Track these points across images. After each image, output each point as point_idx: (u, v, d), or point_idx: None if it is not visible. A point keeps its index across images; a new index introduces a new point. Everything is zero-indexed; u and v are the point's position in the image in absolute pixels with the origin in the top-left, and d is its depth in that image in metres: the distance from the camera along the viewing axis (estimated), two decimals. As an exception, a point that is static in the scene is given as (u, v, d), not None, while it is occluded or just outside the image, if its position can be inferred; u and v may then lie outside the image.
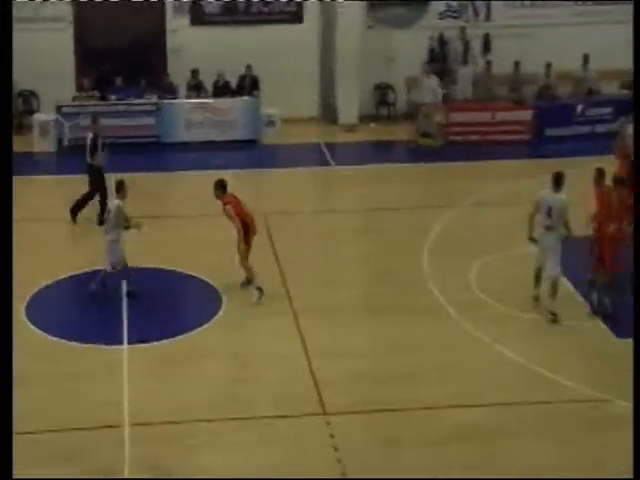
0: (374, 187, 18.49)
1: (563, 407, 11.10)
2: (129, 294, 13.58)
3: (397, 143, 21.19)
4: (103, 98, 21.03)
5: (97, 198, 16.43)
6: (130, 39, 22.17)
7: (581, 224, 13.40)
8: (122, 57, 21.96)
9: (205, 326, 12.93)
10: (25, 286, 13.42)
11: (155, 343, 12.45)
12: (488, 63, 22.36)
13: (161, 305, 13.56)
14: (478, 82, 22.36)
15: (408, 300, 13.68)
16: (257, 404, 11.15)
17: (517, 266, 14.27)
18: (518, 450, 10.32)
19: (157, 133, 20.61)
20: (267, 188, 18.46)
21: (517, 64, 22.10)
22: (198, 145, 20.59)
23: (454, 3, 22.79)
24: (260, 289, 13.46)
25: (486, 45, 22.63)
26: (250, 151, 20.77)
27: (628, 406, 11.00)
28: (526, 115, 21.24)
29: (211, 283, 14.09)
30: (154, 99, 20.94)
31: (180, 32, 22.01)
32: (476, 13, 22.92)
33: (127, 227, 13.56)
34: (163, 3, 22.00)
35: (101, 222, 15.80)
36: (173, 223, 16.75)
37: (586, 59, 22.03)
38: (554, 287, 13.22)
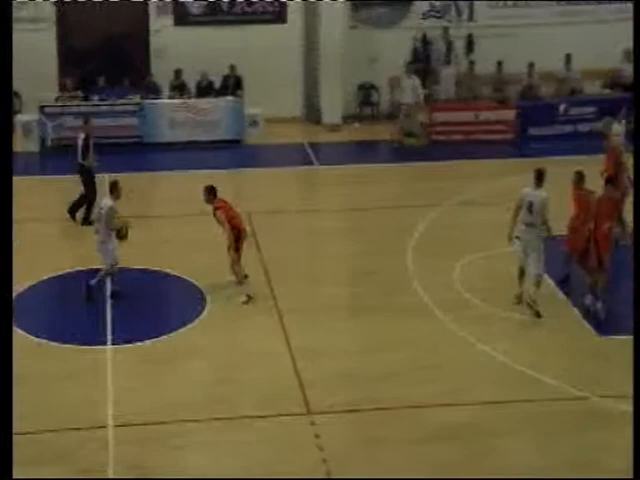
0: (358, 187, 18.51)
1: (546, 405, 11.14)
2: (113, 294, 13.54)
3: (381, 143, 21.22)
4: (86, 98, 20.96)
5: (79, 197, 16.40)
6: (113, 39, 22.12)
7: (562, 223, 13.50)
8: (105, 57, 21.91)
9: (189, 326, 12.92)
10: (8, 287, 13.34)
11: (139, 343, 12.43)
12: (471, 63, 22.44)
13: (145, 305, 13.54)
14: (461, 82, 22.44)
15: (392, 300, 13.70)
16: (241, 404, 11.14)
17: (501, 265, 14.32)
18: (503, 448, 10.35)
19: (140, 133, 20.57)
20: (251, 188, 18.46)
21: (500, 64, 22.18)
22: (181, 145, 20.55)
23: (437, 3, 22.83)
24: (249, 296, 13.49)
25: (469, 45, 22.69)
26: (234, 151, 20.74)
27: (610, 403, 11.10)
28: (509, 115, 21.31)
29: (195, 283, 14.07)
30: (137, 99, 20.89)
31: (163, 32, 21.96)
32: (459, 13, 22.98)
33: (117, 231, 13.43)
34: (146, 3, 21.94)
35: (88, 222, 15.81)
36: (156, 223, 16.72)
37: (568, 59, 22.13)
38: (537, 284, 13.32)
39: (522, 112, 21.27)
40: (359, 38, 22.17)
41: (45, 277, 14.31)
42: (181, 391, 11.41)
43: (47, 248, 15.77)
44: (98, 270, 13.58)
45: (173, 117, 20.86)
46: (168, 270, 14.46)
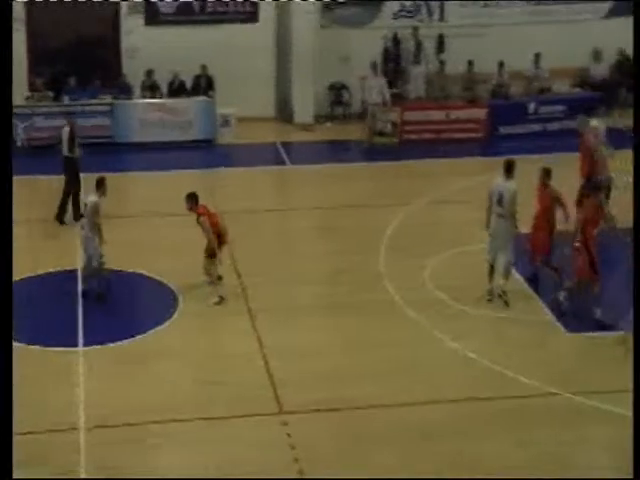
0: (330, 186, 18.56)
1: (518, 402, 11.24)
2: (84, 294, 13.51)
3: (352, 142, 21.27)
4: (57, 98, 20.88)
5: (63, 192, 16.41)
6: (84, 39, 22.03)
7: (530, 221, 13.66)
8: (76, 57, 21.82)
9: (161, 327, 12.91)
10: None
11: (111, 344, 12.41)
12: (442, 62, 22.55)
13: (116, 306, 13.52)
14: (432, 81, 22.55)
15: (364, 298, 13.76)
16: (214, 404, 11.15)
17: (472, 263, 14.41)
18: (475, 446, 10.42)
19: (111, 133, 20.51)
20: (223, 188, 18.44)
21: (471, 63, 22.32)
22: (153, 145, 20.50)
23: (408, 3, 22.93)
24: (221, 297, 13.51)
25: (440, 45, 22.81)
26: (206, 151, 20.73)
27: (581, 400, 11.21)
28: (480, 113, 21.45)
29: (167, 283, 14.06)
30: (108, 99, 20.83)
31: (134, 32, 21.90)
32: (430, 13, 23.08)
33: (98, 229, 13.43)
34: (117, 3, 21.86)
35: (80, 216, 15.77)
36: (128, 223, 16.66)
37: (538, 58, 22.30)
38: (507, 274, 13.51)
39: (492, 111, 21.42)
40: (331, 38, 22.21)
41: (16, 279, 14.23)
42: (153, 392, 11.40)
43: (19, 250, 15.67)
44: (72, 271, 13.57)
45: (145, 117, 20.82)
46: (140, 271, 14.44)
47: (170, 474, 9.95)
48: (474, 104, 21.69)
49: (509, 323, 13.12)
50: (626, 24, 22.55)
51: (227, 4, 22.24)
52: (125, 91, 21.30)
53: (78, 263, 14.46)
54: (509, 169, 13.40)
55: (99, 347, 12.32)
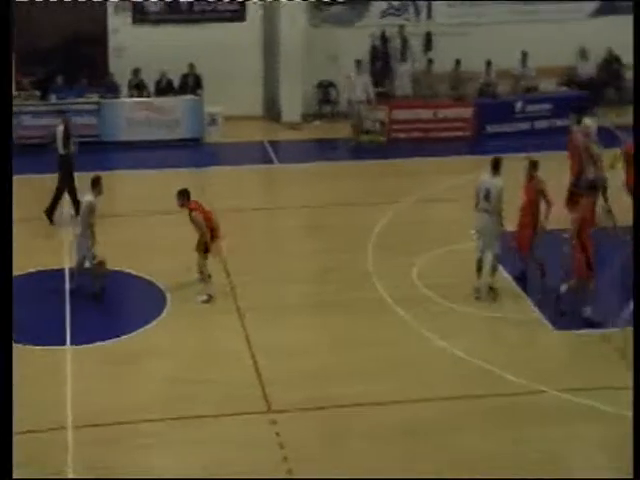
0: (318, 185, 18.56)
1: (506, 400, 11.28)
2: (72, 292, 13.48)
3: (340, 141, 21.25)
4: (44, 97, 20.80)
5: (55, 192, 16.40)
6: (71, 38, 21.95)
7: (515, 217, 13.72)
8: (63, 56, 21.74)
9: (149, 326, 12.90)
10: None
11: (99, 343, 12.39)
12: (429, 61, 22.57)
13: (105, 305, 13.49)
14: (419, 80, 22.57)
15: (353, 297, 13.77)
16: (203, 403, 11.15)
17: (460, 261, 14.45)
18: (463, 443, 10.46)
19: (99, 132, 20.44)
20: (211, 187, 18.39)
21: (458, 62, 22.34)
22: (140, 144, 20.45)
23: (395, 2, 22.93)
24: (210, 296, 13.51)
25: (427, 43, 22.82)
26: (193, 150, 20.69)
27: (569, 397, 11.26)
28: (467, 112, 21.47)
29: (155, 282, 14.05)
30: (95, 98, 20.77)
31: (122, 31, 21.83)
32: (417, 12, 23.09)
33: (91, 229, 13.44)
34: (104, 2, 21.80)
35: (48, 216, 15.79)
36: (116, 222, 16.60)
37: (525, 57, 22.35)
38: (494, 266, 13.63)
39: (480, 109, 21.45)
40: (318, 36, 22.20)
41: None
42: (142, 391, 11.40)
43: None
44: (60, 270, 13.54)
45: (132, 116, 20.77)
46: (127, 270, 14.41)
47: (159, 473, 9.94)
48: (461, 103, 21.72)
49: (497, 321, 13.16)
50: (612, 23, 22.78)
51: (214, 3, 22.18)
52: (112, 90, 21.24)
53: (68, 262, 14.44)
54: (496, 166, 13.55)
55: (87, 346, 12.30)
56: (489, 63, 22.14)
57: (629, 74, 23.26)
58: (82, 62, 21.89)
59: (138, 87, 21.29)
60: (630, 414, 10.71)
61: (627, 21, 23.07)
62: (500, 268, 14.01)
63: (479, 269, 13.70)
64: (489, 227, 13.56)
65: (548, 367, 12.01)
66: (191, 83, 21.49)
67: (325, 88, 22.75)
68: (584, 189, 13.96)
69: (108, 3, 21.82)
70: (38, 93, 20.90)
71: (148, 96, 21.23)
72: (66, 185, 16.41)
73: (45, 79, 21.28)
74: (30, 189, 16.77)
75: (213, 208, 15.01)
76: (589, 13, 23.18)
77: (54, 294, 13.55)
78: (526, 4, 22.92)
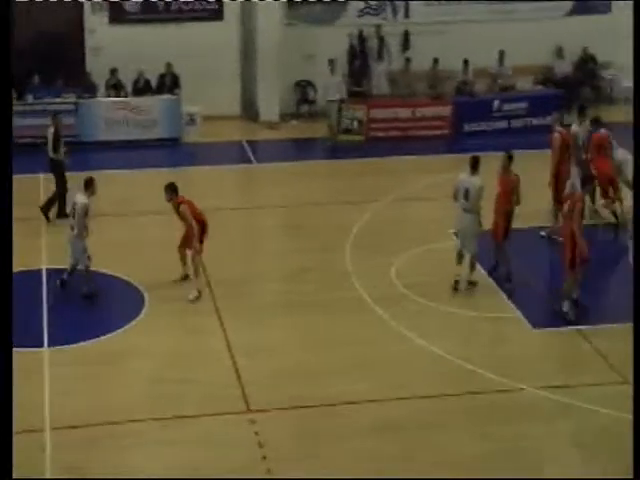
0: (296, 184, 18.56)
1: (485, 398, 11.32)
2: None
3: (318, 140, 21.26)
4: (20, 97, 20.68)
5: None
6: (47, 38, 21.83)
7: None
8: (39, 56, 21.62)
9: (128, 326, 12.87)
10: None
11: (77, 344, 12.35)
12: (407, 60, 22.63)
13: (82, 306, 13.44)
14: (397, 79, 22.62)
15: (331, 296, 13.79)
16: (182, 403, 11.13)
17: (439, 260, 14.52)
18: (442, 441, 10.50)
19: (76, 132, 20.33)
20: (189, 187, 18.25)
21: (436, 61, 22.41)
22: (118, 144, 20.39)
23: (373, 1, 22.96)
24: (200, 292, 13.54)
25: (405, 42, 22.88)
26: (171, 150, 20.65)
27: (547, 394, 11.33)
28: (445, 111, 21.53)
29: (133, 282, 14.01)
30: (73, 98, 20.68)
31: (98, 30, 21.75)
32: (395, 11, 23.14)
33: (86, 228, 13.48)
34: (81, 1, 21.70)
35: (64, 215, 15.77)
36: (94, 223, 16.53)
37: (502, 56, 22.45)
38: (472, 264, 13.84)
39: (457, 108, 21.52)
40: (296, 35, 22.19)
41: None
42: (121, 392, 11.37)
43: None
44: (38, 271, 13.48)
45: (110, 116, 20.70)
46: (105, 270, 14.35)
47: (138, 474, 9.91)
48: (439, 101, 21.79)
49: (476, 319, 13.22)
50: (587, 22, 22.95)
51: (192, 2, 22.14)
52: (90, 90, 21.15)
53: (46, 262, 14.39)
54: (475, 165, 13.66)
55: (65, 347, 12.25)
56: (466, 62, 22.23)
57: (604, 73, 23.47)
58: (59, 62, 21.77)
59: (115, 87, 21.22)
60: (607, 411, 10.86)
61: (601, 20, 23.36)
62: (478, 266, 14.09)
63: (459, 257, 13.87)
64: (468, 226, 13.68)
65: (527, 365, 12.07)
66: (168, 83, 21.44)
67: (303, 87, 22.76)
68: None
69: (85, 3, 21.73)
70: (14, 93, 20.77)
71: (126, 96, 21.16)
72: (65, 186, 16.39)
73: (21, 79, 21.15)
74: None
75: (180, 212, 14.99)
76: (565, 12, 23.32)
77: (32, 295, 13.48)
78: (503, 3, 23.03)
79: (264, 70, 21.89)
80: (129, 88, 21.37)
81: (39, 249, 15.05)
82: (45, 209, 16.33)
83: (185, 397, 11.26)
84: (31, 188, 17.11)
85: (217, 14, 22.27)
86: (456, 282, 13.84)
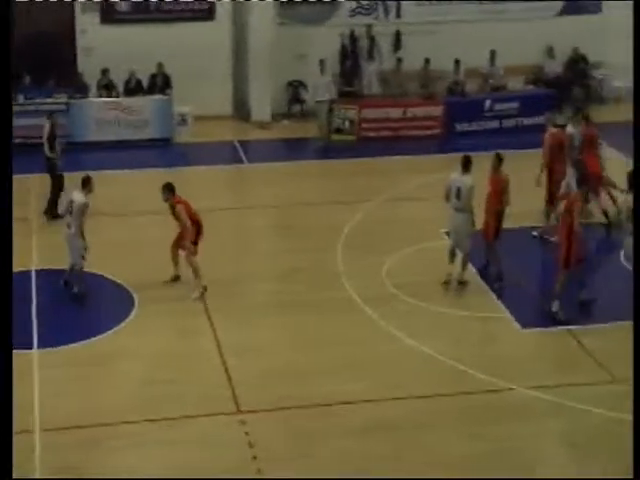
0: (288, 184, 18.57)
1: (475, 398, 11.34)
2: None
3: (310, 140, 21.27)
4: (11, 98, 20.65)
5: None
6: (39, 38, 21.80)
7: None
8: (31, 56, 21.58)
9: (118, 328, 12.85)
10: None
11: (67, 346, 12.33)
12: (399, 60, 22.65)
13: (72, 307, 13.42)
14: (389, 79, 22.65)
15: (322, 296, 13.79)
16: (172, 404, 11.12)
17: (430, 260, 14.56)
18: (432, 441, 10.52)
19: (68, 133, 20.29)
20: (181, 187, 18.23)
21: (427, 61, 22.44)
22: (110, 144, 20.38)
23: (365, 1, 22.98)
24: (205, 288, 13.58)
25: (396, 42, 22.90)
26: (163, 150, 20.64)
27: (536, 394, 11.35)
28: (437, 111, 21.56)
29: (122, 284, 14.00)
30: (64, 98, 20.66)
31: (90, 30, 21.74)
32: (386, 11, 23.17)
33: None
34: (72, 1, 21.68)
35: (53, 216, 15.89)
36: (85, 223, 16.54)
37: (493, 55, 22.49)
38: (464, 263, 13.91)
39: (449, 108, 21.55)
40: (288, 35, 22.20)
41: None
42: (111, 393, 11.37)
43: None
44: (27, 272, 13.44)
45: (101, 116, 20.69)
46: (96, 271, 14.33)
47: (128, 475, 9.91)
48: (431, 101, 21.81)
49: (466, 319, 13.23)
50: (578, 22, 23.01)
51: (183, 2, 22.12)
52: (81, 90, 21.14)
53: (35, 263, 14.37)
54: (466, 165, 13.72)
55: (55, 349, 12.23)
56: (458, 62, 22.27)
57: (595, 72, 23.54)
58: (50, 62, 21.75)
59: (107, 87, 21.21)
60: (598, 411, 10.89)
61: (592, 20, 23.42)
62: (469, 266, 14.12)
63: (452, 254, 13.94)
64: (461, 225, 13.74)
65: (517, 365, 12.09)
66: (160, 83, 21.44)
67: (295, 87, 22.77)
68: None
69: (76, 3, 21.71)
70: (6, 93, 20.74)
71: (117, 96, 21.16)
72: (60, 184, 16.49)
73: (12, 79, 21.10)
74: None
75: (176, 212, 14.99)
76: (555, 12, 23.37)
77: (22, 296, 13.46)
78: (494, 3, 23.07)
79: (256, 70, 21.90)
80: (120, 88, 21.36)
81: (29, 250, 15.02)
82: (49, 211, 16.39)
83: (175, 398, 11.24)
84: (21, 188, 17.04)
85: (209, 14, 22.27)
86: (447, 280, 13.87)
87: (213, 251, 15.04)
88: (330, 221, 16.43)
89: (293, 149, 21.24)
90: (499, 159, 14.01)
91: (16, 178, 16.54)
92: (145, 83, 21.50)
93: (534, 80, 23.07)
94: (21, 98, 20.62)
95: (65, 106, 20.52)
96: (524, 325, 12.99)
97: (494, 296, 13.74)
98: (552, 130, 15.99)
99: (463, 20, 22.74)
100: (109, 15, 21.92)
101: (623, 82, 23.19)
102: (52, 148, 16.56)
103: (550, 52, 23.27)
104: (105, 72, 21.21)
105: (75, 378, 11.69)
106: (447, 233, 14.38)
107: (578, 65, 23.36)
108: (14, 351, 11.95)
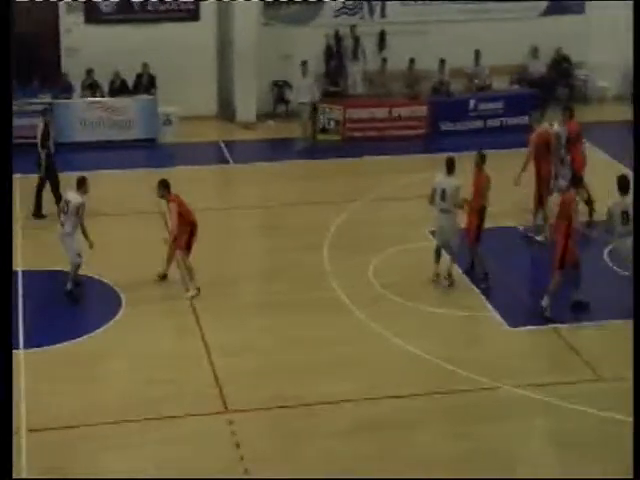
0: (273, 184, 18.57)
1: (462, 396, 11.39)
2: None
3: (295, 140, 21.26)
4: (-6, 98, 20.55)
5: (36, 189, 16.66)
6: (22, 38, 21.66)
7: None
8: (14, 56, 21.40)
9: (105, 328, 12.84)
10: None
11: (53, 346, 12.29)
12: (383, 60, 22.67)
13: (59, 307, 13.39)
14: (374, 79, 22.67)
15: (309, 296, 13.81)
16: (159, 404, 11.11)
17: (416, 259, 14.60)
18: (419, 440, 10.56)
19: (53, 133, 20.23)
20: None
21: (412, 61, 22.47)
22: (95, 145, 20.32)
23: (349, 1, 23.00)
24: (198, 289, 13.60)
25: (381, 42, 22.93)
26: (148, 150, 20.59)
27: (523, 392, 11.40)
28: (422, 110, 21.59)
29: (109, 283, 13.97)
30: (48, 99, 20.58)
31: (74, 31, 21.65)
32: (371, 11, 23.19)
33: (83, 231, 13.50)
34: (56, 1, 21.60)
35: (37, 214, 15.99)
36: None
37: (478, 55, 22.54)
38: (452, 258, 14.00)
39: (434, 108, 21.59)
40: (272, 35, 22.19)
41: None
42: (98, 393, 11.34)
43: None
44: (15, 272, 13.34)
45: (85, 117, 20.63)
46: (81, 271, 14.28)
47: (115, 475, 9.90)
48: (416, 101, 21.85)
49: (452, 318, 13.27)
50: (562, 22, 23.10)
51: (168, 2, 22.08)
52: (66, 90, 21.06)
53: (21, 264, 14.32)
54: (450, 166, 13.78)
55: (41, 349, 12.19)
56: (443, 62, 22.31)
57: (578, 72, 23.64)
58: (34, 62, 21.65)
59: (91, 87, 21.14)
60: (584, 409, 10.94)
61: (576, 20, 23.52)
62: (455, 266, 14.17)
63: (437, 254, 13.99)
64: (447, 226, 13.81)
65: (503, 363, 12.13)
66: (145, 83, 21.39)
67: (280, 88, 22.75)
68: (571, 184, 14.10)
69: (60, 2, 21.63)
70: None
71: (102, 96, 21.09)
72: (44, 182, 16.53)
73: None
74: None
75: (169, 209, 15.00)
76: (539, 12, 23.46)
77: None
78: (479, 3, 23.11)
79: (241, 70, 21.88)
80: (105, 88, 21.30)
81: (15, 250, 14.93)
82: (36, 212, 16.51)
83: (163, 398, 11.24)
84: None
85: (194, 14, 22.23)
86: (436, 276, 13.97)
87: (200, 251, 15.00)
88: (316, 221, 16.43)
89: (278, 149, 21.23)
90: (482, 158, 14.07)
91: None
92: (130, 83, 21.45)
93: (519, 80, 23.14)
94: (5, 98, 20.51)
95: (49, 107, 20.43)
96: (512, 324, 13.04)
97: (482, 295, 13.79)
98: (539, 130, 16.04)
99: (448, 20, 22.78)
100: (94, 15, 21.84)
101: (607, 82, 23.32)
102: (45, 146, 16.53)
103: (534, 52, 23.35)
104: (90, 72, 21.14)
105: (62, 378, 11.65)
106: (432, 232, 14.42)
107: (561, 65, 23.45)
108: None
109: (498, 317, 13.23)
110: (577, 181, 13.84)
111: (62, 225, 13.47)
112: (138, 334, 12.77)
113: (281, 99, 22.75)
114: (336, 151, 20.59)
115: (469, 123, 21.58)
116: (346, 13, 23.11)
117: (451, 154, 14.13)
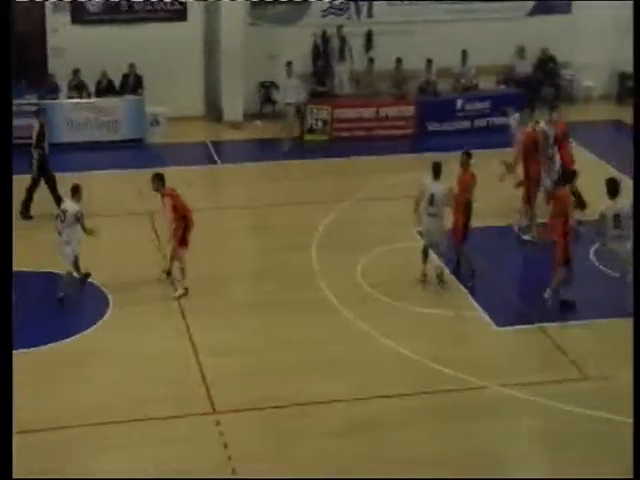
0: (261, 184, 18.58)
1: (449, 396, 11.43)
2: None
3: (283, 140, 21.26)
4: (-20, 99, 20.49)
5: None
6: (8, 38, 21.64)
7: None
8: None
9: (92, 328, 12.83)
10: None
11: (41, 348, 12.27)
12: (370, 60, 22.70)
13: (46, 308, 13.36)
14: (361, 79, 22.69)
15: (297, 296, 13.82)
16: (147, 405, 11.12)
17: (404, 259, 14.63)
18: (407, 440, 10.58)
19: (39, 134, 20.19)
20: (153, 188, 18.29)
21: (399, 61, 22.50)
22: (82, 145, 20.27)
23: (336, 1, 23.01)
24: (186, 289, 13.60)
25: (368, 42, 22.95)
26: (136, 151, 20.54)
27: (509, 392, 11.45)
28: (409, 110, 21.62)
29: (97, 284, 13.95)
30: (34, 99, 20.53)
31: (61, 31, 21.59)
32: (358, 11, 23.20)
33: (84, 229, 13.58)
34: (43, 1, 21.54)
35: (24, 215, 16.05)
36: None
37: (464, 55, 22.60)
38: (440, 258, 14.07)
39: (421, 108, 21.62)
40: (259, 35, 22.17)
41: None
42: (83, 394, 11.34)
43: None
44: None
45: (72, 117, 20.58)
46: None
47: (103, 476, 9.89)
48: (403, 101, 21.88)
49: (440, 318, 13.31)
50: (548, 22, 23.18)
51: (155, 3, 22.05)
52: (52, 91, 20.99)
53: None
54: (436, 171, 13.79)
55: (27, 350, 12.13)
56: (429, 62, 22.35)
57: (564, 72, 23.72)
58: (21, 62, 21.50)
59: (78, 88, 21.08)
60: (570, 408, 10.99)
61: (562, 20, 23.60)
62: (442, 266, 14.22)
63: (425, 254, 14.02)
64: (434, 229, 13.85)
65: (491, 363, 12.18)
66: (132, 83, 21.35)
67: (267, 88, 22.75)
68: (564, 180, 14.13)
69: (46, 2, 21.57)
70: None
71: (89, 97, 21.04)
72: (37, 181, 16.61)
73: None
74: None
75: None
76: (526, 12, 23.52)
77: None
78: (465, 3, 23.16)
79: (228, 70, 21.86)
80: (92, 89, 21.24)
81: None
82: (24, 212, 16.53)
83: (150, 398, 11.24)
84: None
85: (180, 14, 22.19)
86: (423, 276, 14.00)
87: (188, 251, 15.03)
88: (304, 221, 16.45)
89: (266, 149, 21.22)
90: (468, 157, 14.10)
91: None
92: (117, 83, 21.41)
93: (505, 80, 23.21)
94: (-9, 99, 20.46)
95: (36, 107, 20.37)
96: (499, 324, 13.09)
97: (469, 295, 13.83)
98: (527, 129, 16.09)
99: (435, 20, 22.80)
100: (80, 15, 21.78)
101: (593, 82, 23.41)
102: (39, 146, 16.55)
103: (521, 52, 23.42)
104: (76, 72, 21.08)
105: (49, 379, 11.64)
106: (420, 232, 14.45)
107: (547, 65, 23.53)
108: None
109: (486, 317, 13.27)
110: (569, 177, 13.87)
111: (59, 234, 13.46)
112: (125, 335, 12.76)
113: (268, 99, 22.74)
114: (324, 151, 20.60)
115: (456, 123, 21.61)
116: (333, 13, 23.12)
117: (438, 157, 14.15)
